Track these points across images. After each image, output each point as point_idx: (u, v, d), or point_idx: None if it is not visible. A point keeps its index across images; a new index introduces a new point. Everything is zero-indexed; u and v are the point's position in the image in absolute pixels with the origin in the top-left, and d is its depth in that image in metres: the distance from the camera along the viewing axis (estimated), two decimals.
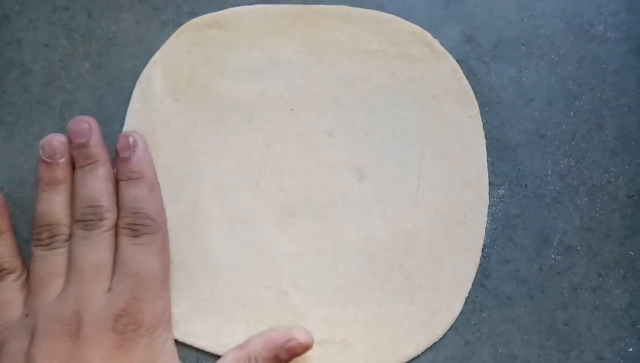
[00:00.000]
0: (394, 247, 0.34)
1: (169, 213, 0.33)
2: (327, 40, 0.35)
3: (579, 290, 0.33)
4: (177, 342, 0.32)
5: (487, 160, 0.34)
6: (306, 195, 0.34)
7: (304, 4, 0.35)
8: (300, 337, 0.30)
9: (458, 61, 0.34)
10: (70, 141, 0.31)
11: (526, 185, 0.34)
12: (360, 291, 0.33)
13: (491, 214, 0.34)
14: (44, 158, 0.30)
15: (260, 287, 0.33)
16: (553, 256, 0.34)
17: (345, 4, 0.35)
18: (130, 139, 0.31)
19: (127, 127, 0.33)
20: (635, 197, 0.34)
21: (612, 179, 0.34)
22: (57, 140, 0.30)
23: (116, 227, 0.30)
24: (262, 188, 0.34)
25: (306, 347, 0.30)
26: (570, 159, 0.34)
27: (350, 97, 0.34)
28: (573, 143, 0.34)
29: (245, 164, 0.34)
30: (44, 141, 0.31)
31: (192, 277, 0.33)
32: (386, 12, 0.34)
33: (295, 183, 0.34)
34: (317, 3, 0.35)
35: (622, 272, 0.34)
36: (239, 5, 0.34)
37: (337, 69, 0.34)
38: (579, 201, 0.34)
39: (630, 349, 0.33)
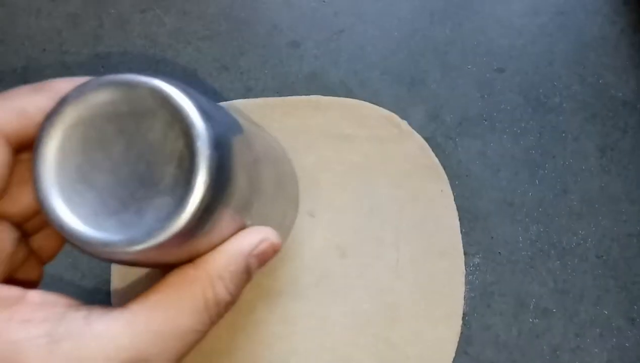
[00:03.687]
0: (379, 320, 0.35)
1: None
2: (302, 127, 0.37)
3: (558, 352, 0.35)
4: None
5: (461, 230, 0.36)
6: (291, 275, 0.36)
7: (279, 96, 0.37)
8: (272, 235, 0.23)
9: (426, 139, 0.37)
10: None
11: (500, 252, 0.36)
12: None
13: (469, 283, 0.36)
14: None
15: None
16: (531, 319, 0.35)
17: (317, 93, 0.37)
18: None
19: None
20: (604, 257, 0.36)
21: (581, 241, 0.36)
22: None
23: None
24: None
25: (277, 248, 0.24)
26: (540, 224, 0.36)
27: (327, 178, 0.37)
28: (541, 209, 0.36)
29: None
30: None
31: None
32: (355, 98, 0.37)
33: (280, 265, 0.36)
34: (291, 94, 0.37)
35: (598, 331, 0.35)
36: (221, 101, 0.37)
37: (314, 153, 0.37)
38: (551, 265, 0.36)
39: None
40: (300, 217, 0.36)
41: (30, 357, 0.17)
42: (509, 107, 0.37)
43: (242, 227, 0.23)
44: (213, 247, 0.22)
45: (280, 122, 0.37)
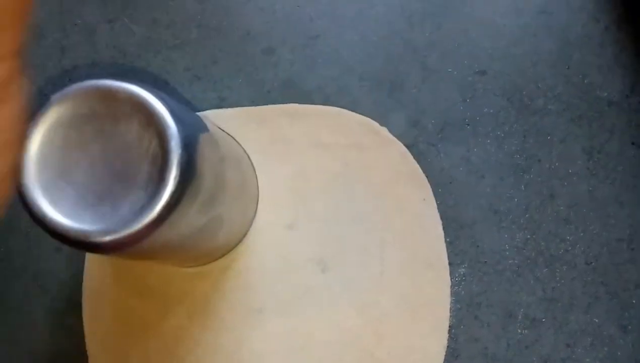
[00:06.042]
0: (365, 335, 0.34)
1: None
2: (279, 137, 0.36)
3: None
4: None
5: (446, 240, 0.35)
6: (271, 292, 0.34)
7: (254, 105, 0.36)
8: None
9: (407, 146, 0.35)
10: None
11: (486, 261, 0.35)
12: None
13: (455, 294, 0.34)
14: None
15: None
16: (519, 330, 0.34)
17: (293, 102, 0.36)
18: None
19: None
20: (593, 264, 0.35)
21: (569, 248, 0.35)
22: None
23: None
24: (228, 289, 0.34)
25: None
26: (526, 231, 0.35)
27: (307, 189, 0.35)
28: (527, 215, 0.35)
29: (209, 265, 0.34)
30: None
31: None
32: (333, 105, 0.36)
33: (260, 281, 0.34)
34: (267, 103, 0.36)
35: (589, 339, 0.34)
36: (195, 111, 0.35)
37: (292, 163, 0.36)
38: (539, 273, 0.35)
39: None
40: (279, 230, 0.35)
41: None
42: (492, 111, 0.36)
43: (210, 219, 0.27)
44: (182, 237, 0.25)
45: (256, 132, 0.36)
